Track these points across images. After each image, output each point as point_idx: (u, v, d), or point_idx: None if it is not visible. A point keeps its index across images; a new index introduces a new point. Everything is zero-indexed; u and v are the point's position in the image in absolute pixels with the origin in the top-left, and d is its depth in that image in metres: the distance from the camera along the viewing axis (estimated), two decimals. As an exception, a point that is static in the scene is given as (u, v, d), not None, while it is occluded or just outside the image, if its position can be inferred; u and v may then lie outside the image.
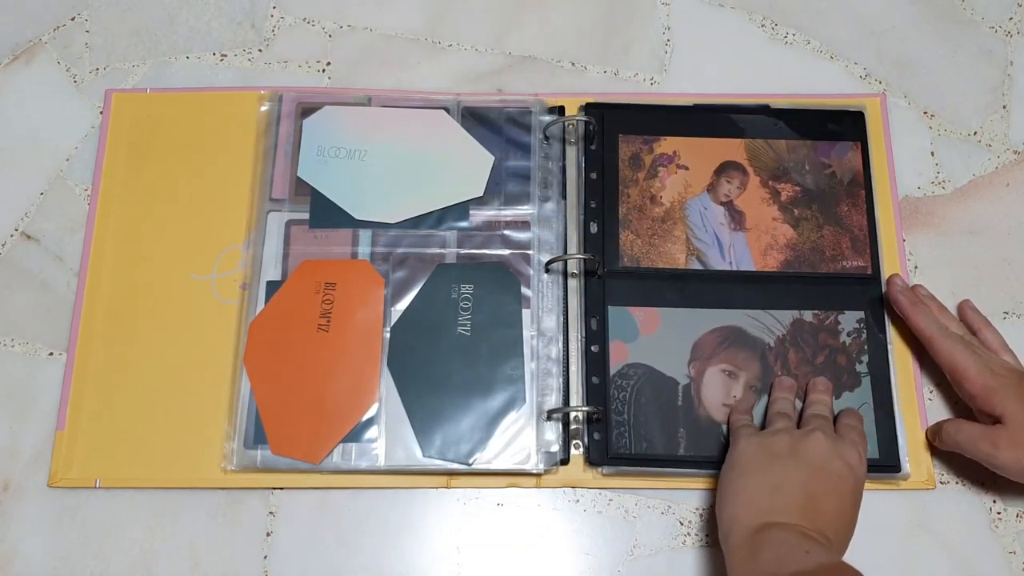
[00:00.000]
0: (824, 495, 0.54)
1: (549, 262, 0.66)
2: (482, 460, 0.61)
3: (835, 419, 0.61)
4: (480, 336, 0.64)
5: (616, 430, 0.62)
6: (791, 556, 0.50)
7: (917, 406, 0.64)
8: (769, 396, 0.63)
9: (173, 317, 0.65)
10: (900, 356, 0.65)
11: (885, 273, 0.67)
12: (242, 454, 0.62)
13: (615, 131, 0.69)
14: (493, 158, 0.69)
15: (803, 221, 0.67)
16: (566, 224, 0.68)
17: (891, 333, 0.66)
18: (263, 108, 0.70)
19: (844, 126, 0.70)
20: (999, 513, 0.62)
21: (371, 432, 0.62)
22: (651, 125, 0.70)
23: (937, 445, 0.62)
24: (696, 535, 0.61)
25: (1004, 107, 0.73)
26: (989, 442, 0.58)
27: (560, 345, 0.64)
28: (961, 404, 0.63)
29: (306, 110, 0.70)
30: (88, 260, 0.66)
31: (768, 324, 0.65)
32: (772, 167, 0.69)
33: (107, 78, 0.72)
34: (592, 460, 0.62)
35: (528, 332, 0.64)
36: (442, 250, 0.67)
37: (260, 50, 0.74)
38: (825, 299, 0.65)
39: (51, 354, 0.65)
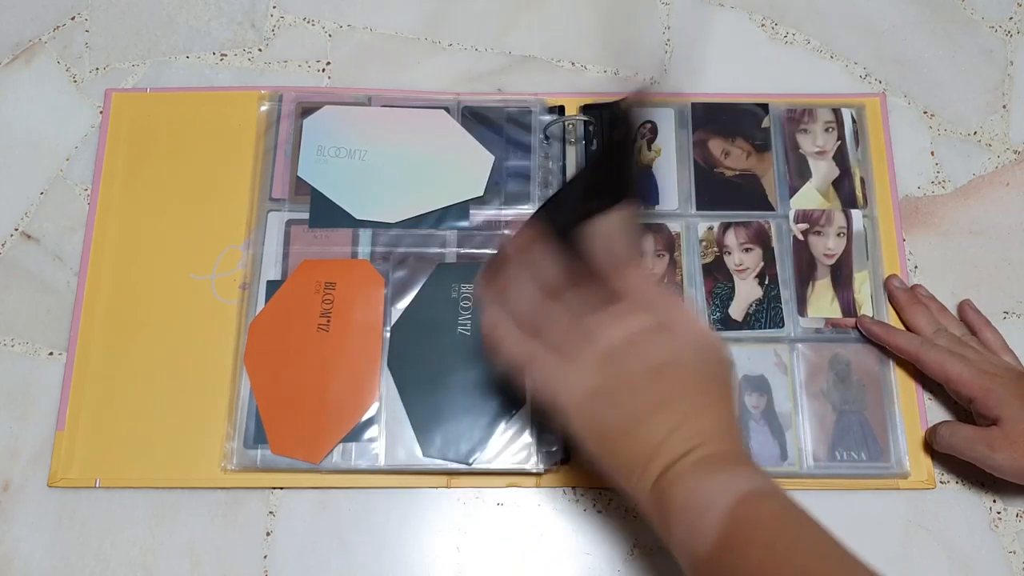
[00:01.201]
0: (684, 397, 0.46)
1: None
2: (482, 460, 0.61)
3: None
4: (480, 336, 0.64)
5: None
6: (696, 526, 0.44)
7: (917, 406, 0.64)
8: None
9: (173, 317, 0.65)
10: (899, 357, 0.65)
11: (885, 273, 0.67)
12: (242, 454, 0.62)
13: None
14: (493, 158, 0.69)
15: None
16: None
17: (891, 333, 0.66)
18: (263, 108, 0.70)
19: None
20: (999, 513, 0.62)
21: (371, 432, 0.62)
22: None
23: (935, 447, 0.62)
24: (696, 535, 0.61)
25: (1004, 107, 0.73)
26: (985, 444, 0.58)
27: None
28: (962, 405, 0.63)
29: (306, 110, 0.70)
30: (88, 260, 0.66)
31: None
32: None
33: (107, 78, 0.72)
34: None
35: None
36: (442, 250, 0.67)
37: (260, 50, 0.74)
38: None
39: (51, 354, 0.65)
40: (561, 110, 0.70)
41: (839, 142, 0.70)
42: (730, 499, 0.44)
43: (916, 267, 0.69)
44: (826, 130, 0.70)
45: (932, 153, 0.72)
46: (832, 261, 0.67)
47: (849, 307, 0.66)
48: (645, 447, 0.46)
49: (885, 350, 0.65)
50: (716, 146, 0.70)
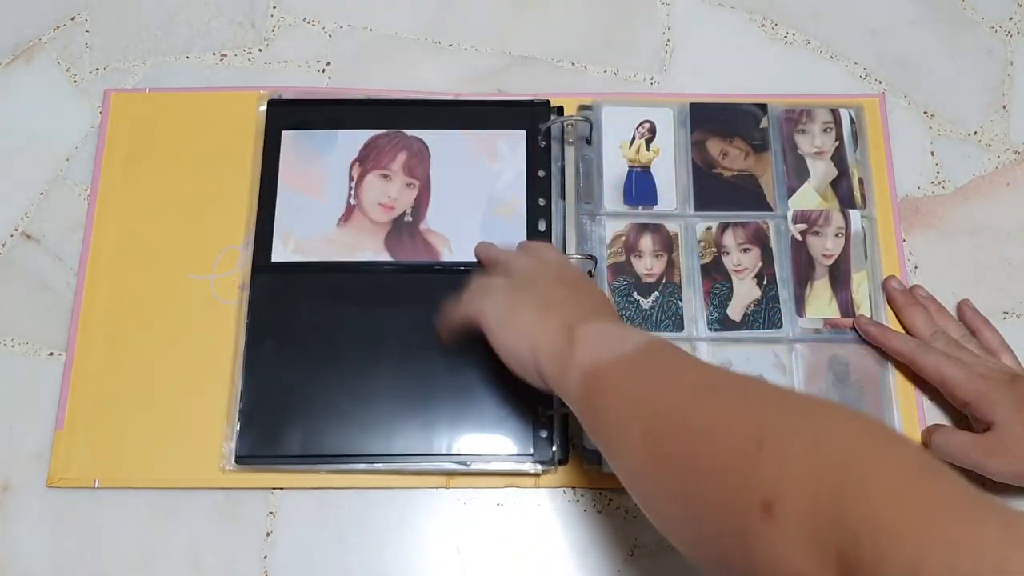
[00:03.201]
0: (584, 290, 0.56)
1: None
2: (481, 460, 0.61)
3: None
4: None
5: None
6: (609, 342, 0.49)
7: (915, 407, 0.64)
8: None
9: (172, 317, 0.65)
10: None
11: (884, 274, 0.67)
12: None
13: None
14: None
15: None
16: (564, 224, 0.68)
17: (890, 333, 0.66)
18: (262, 108, 0.70)
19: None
20: (999, 513, 0.62)
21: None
22: None
23: (930, 453, 0.62)
24: (696, 535, 0.61)
25: (1004, 107, 0.73)
26: (979, 451, 0.58)
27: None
28: (958, 408, 0.63)
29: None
30: (87, 260, 0.66)
31: None
32: None
33: (107, 78, 0.72)
34: (589, 459, 0.62)
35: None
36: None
37: (260, 50, 0.74)
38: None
39: (51, 354, 0.65)
40: (560, 110, 0.70)
41: (837, 142, 0.70)
42: (648, 338, 0.49)
43: (916, 267, 0.69)
44: (824, 130, 0.70)
45: (932, 153, 0.72)
46: (830, 261, 0.67)
47: (847, 307, 0.66)
48: (562, 311, 0.53)
49: (883, 351, 0.65)
50: (714, 146, 0.70)
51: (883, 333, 0.64)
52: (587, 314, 0.52)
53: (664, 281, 0.66)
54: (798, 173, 0.69)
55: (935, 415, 0.64)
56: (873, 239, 0.68)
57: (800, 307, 0.66)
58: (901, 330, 0.65)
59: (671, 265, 0.67)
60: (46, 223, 0.69)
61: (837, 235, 0.67)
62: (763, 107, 0.71)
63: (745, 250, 0.67)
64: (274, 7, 0.75)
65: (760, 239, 0.67)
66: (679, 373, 0.47)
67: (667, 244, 0.67)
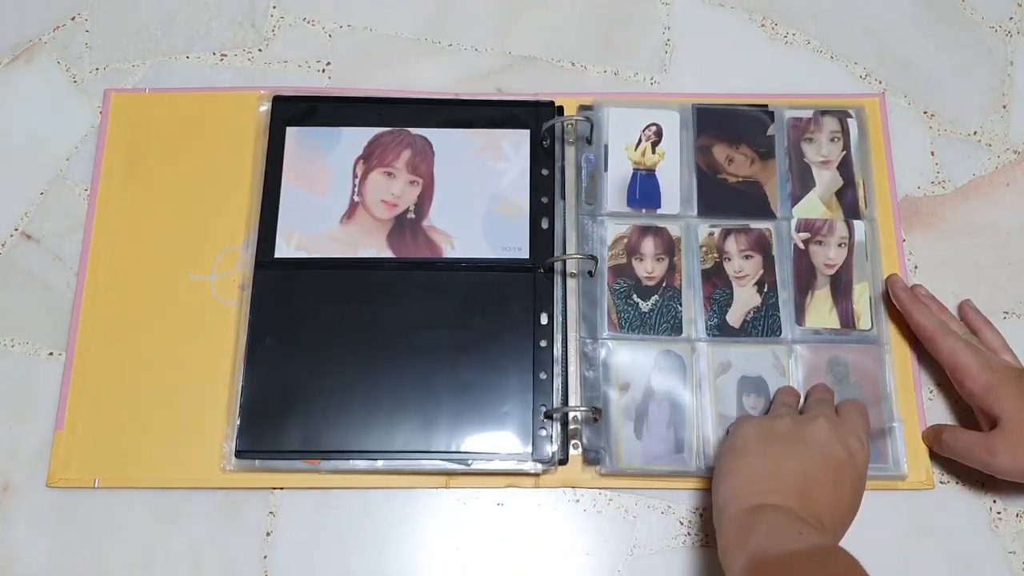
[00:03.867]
0: (823, 481, 0.54)
1: (548, 261, 0.66)
2: (481, 460, 0.61)
3: (837, 409, 0.60)
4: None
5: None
6: (784, 536, 0.49)
7: (916, 407, 0.64)
8: (774, 398, 0.63)
9: (172, 317, 0.65)
10: (899, 356, 0.65)
11: (884, 273, 0.67)
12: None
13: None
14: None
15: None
16: (565, 224, 0.68)
17: (889, 333, 0.66)
18: (262, 108, 0.70)
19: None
20: (999, 513, 0.62)
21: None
22: None
23: (937, 451, 0.62)
24: (696, 535, 0.61)
25: (1004, 107, 0.73)
26: (986, 449, 0.58)
27: (559, 345, 0.64)
28: (961, 404, 0.63)
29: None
30: (87, 260, 0.66)
31: None
32: None
33: (107, 78, 0.72)
34: (589, 459, 0.62)
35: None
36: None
37: (260, 50, 0.74)
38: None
39: (51, 354, 0.65)
40: (560, 110, 0.70)
41: (844, 152, 0.70)
42: (827, 542, 0.49)
43: (916, 267, 0.69)
44: (831, 140, 0.70)
45: (932, 153, 0.72)
46: (832, 271, 0.67)
47: (847, 318, 0.66)
48: (755, 488, 0.53)
49: (883, 350, 0.65)
50: (720, 152, 0.70)
51: (912, 302, 0.64)
52: (800, 505, 0.52)
53: (664, 285, 0.66)
54: (803, 181, 0.69)
55: (935, 415, 0.64)
56: (874, 239, 0.68)
57: (800, 316, 0.66)
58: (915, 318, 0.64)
59: (672, 269, 0.67)
60: (46, 223, 0.69)
61: (840, 245, 0.67)
62: (770, 114, 0.71)
63: (747, 257, 0.67)
64: (274, 7, 0.75)
65: (762, 246, 0.67)
66: None
67: (668, 248, 0.67)
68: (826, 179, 0.69)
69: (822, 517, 0.52)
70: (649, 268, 0.67)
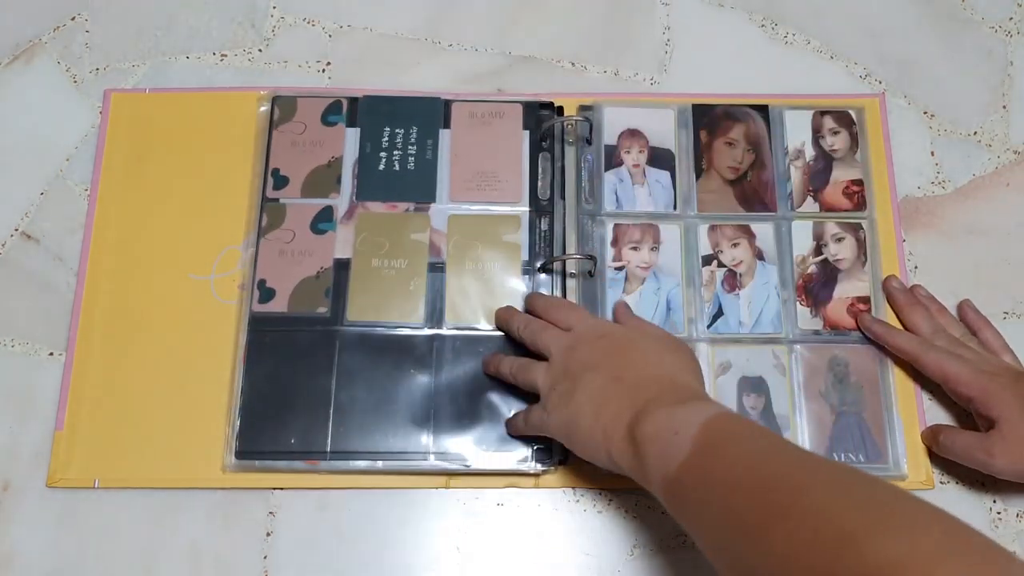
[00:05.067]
0: (639, 356, 0.55)
1: (548, 261, 0.66)
2: (481, 460, 0.61)
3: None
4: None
5: None
6: (668, 448, 0.49)
7: (916, 407, 0.64)
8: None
9: (172, 317, 0.65)
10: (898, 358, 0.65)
11: (884, 274, 0.67)
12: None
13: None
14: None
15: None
16: (565, 224, 0.68)
17: (890, 334, 0.66)
18: (263, 108, 0.70)
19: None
20: (999, 513, 0.62)
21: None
22: None
23: (935, 452, 0.62)
24: (696, 535, 0.61)
25: (1004, 107, 0.73)
26: (983, 451, 0.58)
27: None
28: (961, 405, 0.63)
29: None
30: (88, 260, 0.66)
31: None
32: None
33: (107, 78, 0.72)
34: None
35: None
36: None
37: (260, 50, 0.74)
38: None
39: (51, 354, 0.65)
40: (560, 110, 0.70)
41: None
42: (702, 417, 0.49)
43: (916, 267, 0.69)
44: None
45: (932, 153, 0.72)
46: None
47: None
48: (615, 409, 0.53)
49: (884, 351, 0.65)
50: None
51: (887, 331, 0.64)
52: (645, 403, 0.52)
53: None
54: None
55: (935, 415, 0.64)
56: (874, 239, 0.68)
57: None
58: (903, 329, 0.65)
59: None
60: (46, 223, 0.69)
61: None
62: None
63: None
64: (274, 7, 0.75)
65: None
66: (743, 469, 0.46)
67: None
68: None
69: (676, 379, 0.54)
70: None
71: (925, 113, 0.73)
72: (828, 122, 0.70)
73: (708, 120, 0.70)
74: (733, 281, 0.66)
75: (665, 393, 0.52)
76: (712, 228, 0.68)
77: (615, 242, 0.67)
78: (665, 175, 0.69)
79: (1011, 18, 0.76)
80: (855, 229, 0.68)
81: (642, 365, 0.55)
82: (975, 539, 0.39)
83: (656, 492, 0.50)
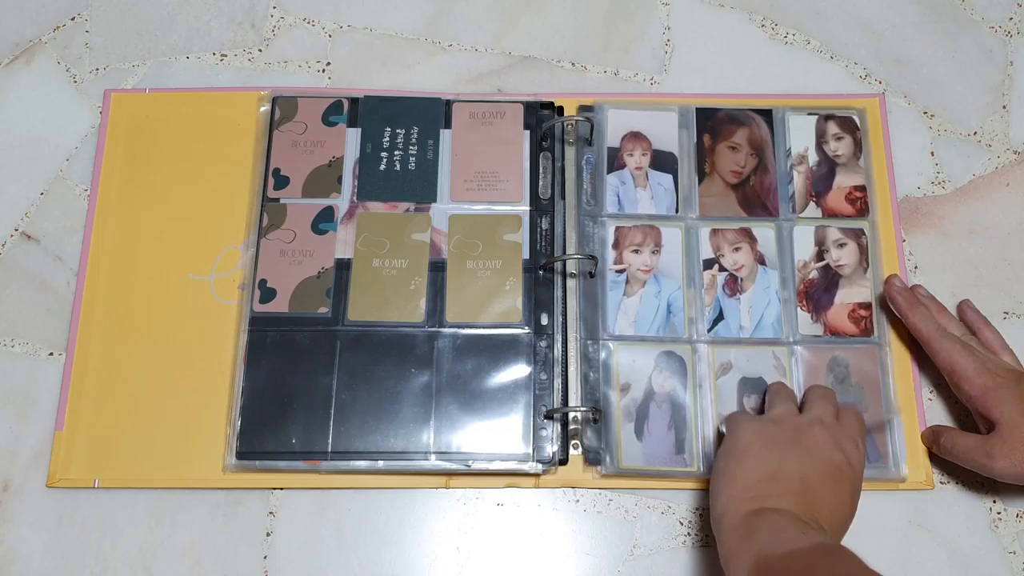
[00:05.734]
0: (822, 485, 0.54)
1: (549, 261, 0.66)
2: (481, 460, 0.61)
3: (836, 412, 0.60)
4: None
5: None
6: (786, 536, 0.49)
7: (916, 408, 0.64)
8: (768, 394, 0.62)
9: (172, 317, 0.65)
10: (898, 357, 0.65)
11: (884, 274, 0.67)
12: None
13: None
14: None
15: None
16: (565, 224, 0.68)
17: (889, 335, 0.66)
18: (263, 108, 0.70)
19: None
20: (999, 513, 0.62)
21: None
22: None
23: (936, 452, 0.62)
24: (696, 535, 0.61)
25: (1004, 107, 0.73)
26: (983, 453, 0.58)
27: (559, 345, 0.64)
28: (961, 405, 0.63)
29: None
30: (87, 260, 0.66)
31: None
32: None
33: (107, 78, 0.72)
34: (589, 459, 0.62)
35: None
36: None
37: (260, 50, 0.74)
38: None
39: (51, 354, 0.65)
40: (560, 111, 0.70)
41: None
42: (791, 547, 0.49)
43: (916, 267, 0.69)
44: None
45: (932, 153, 0.72)
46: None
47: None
48: (755, 492, 0.53)
49: (883, 351, 0.65)
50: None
51: (909, 304, 0.63)
52: (800, 508, 0.52)
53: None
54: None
55: (935, 415, 0.64)
56: (874, 239, 0.68)
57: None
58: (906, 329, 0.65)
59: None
60: (46, 223, 0.69)
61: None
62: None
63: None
64: (274, 7, 0.75)
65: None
66: None
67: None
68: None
69: (821, 520, 0.52)
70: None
71: (925, 113, 0.73)
72: (832, 127, 0.70)
73: (711, 124, 0.70)
74: (734, 285, 0.66)
75: (812, 524, 0.52)
76: (714, 232, 0.68)
77: (616, 244, 0.67)
78: (667, 178, 0.69)
79: (1011, 18, 0.76)
80: (857, 235, 0.67)
81: (830, 500, 0.54)
82: None
83: (736, 559, 0.51)
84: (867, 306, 0.66)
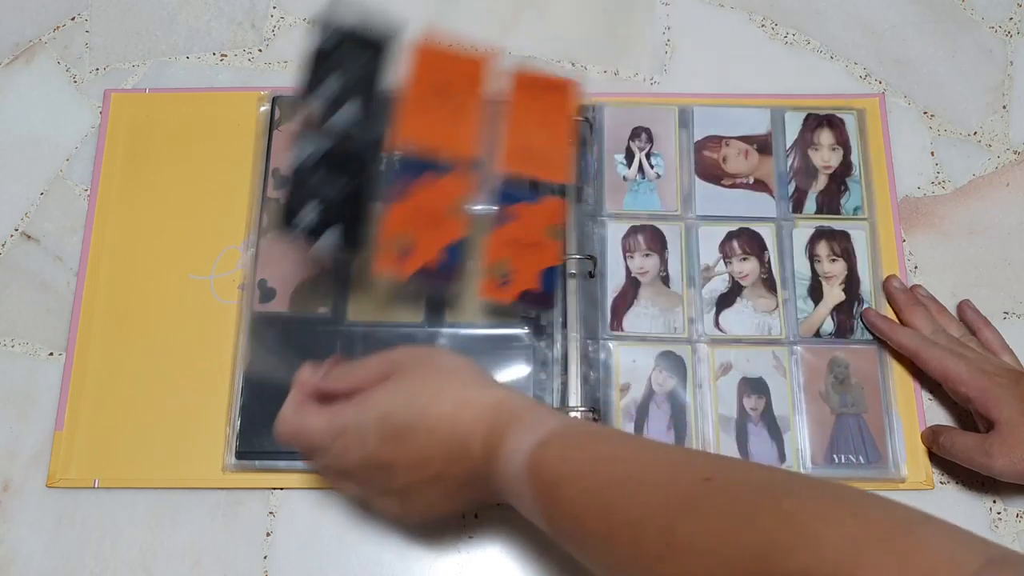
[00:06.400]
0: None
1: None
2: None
3: None
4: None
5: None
6: (521, 498, 0.48)
7: (915, 408, 0.64)
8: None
9: (172, 317, 0.65)
10: (898, 357, 0.65)
11: (884, 274, 0.67)
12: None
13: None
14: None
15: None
16: (565, 224, 0.68)
17: (890, 334, 0.66)
18: (263, 108, 0.70)
19: None
20: (999, 513, 0.62)
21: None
22: None
23: (935, 452, 0.62)
24: (696, 535, 0.61)
25: (1004, 107, 0.73)
26: (982, 452, 0.58)
27: (559, 345, 0.64)
28: (961, 405, 0.63)
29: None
30: (87, 260, 0.66)
31: None
32: None
33: (107, 78, 0.72)
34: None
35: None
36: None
37: (260, 50, 0.74)
38: None
39: (51, 354, 0.65)
40: (560, 110, 0.70)
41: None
42: (522, 461, 0.47)
43: (916, 267, 0.69)
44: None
45: (932, 153, 0.72)
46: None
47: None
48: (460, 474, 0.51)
49: (885, 348, 0.65)
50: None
51: (890, 327, 0.64)
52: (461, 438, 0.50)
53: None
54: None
55: (935, 415, 0.64)
56: (874, 240, 0.68)
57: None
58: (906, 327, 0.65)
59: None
60: (46, 223, 0.69)
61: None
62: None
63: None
64: (274, 7, 0.75)
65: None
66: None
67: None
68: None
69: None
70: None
71: (925, 113, 0.73)
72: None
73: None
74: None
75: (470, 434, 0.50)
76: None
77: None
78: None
79: (1011, 18, 0.76)
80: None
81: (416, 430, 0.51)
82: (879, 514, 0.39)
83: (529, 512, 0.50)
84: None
